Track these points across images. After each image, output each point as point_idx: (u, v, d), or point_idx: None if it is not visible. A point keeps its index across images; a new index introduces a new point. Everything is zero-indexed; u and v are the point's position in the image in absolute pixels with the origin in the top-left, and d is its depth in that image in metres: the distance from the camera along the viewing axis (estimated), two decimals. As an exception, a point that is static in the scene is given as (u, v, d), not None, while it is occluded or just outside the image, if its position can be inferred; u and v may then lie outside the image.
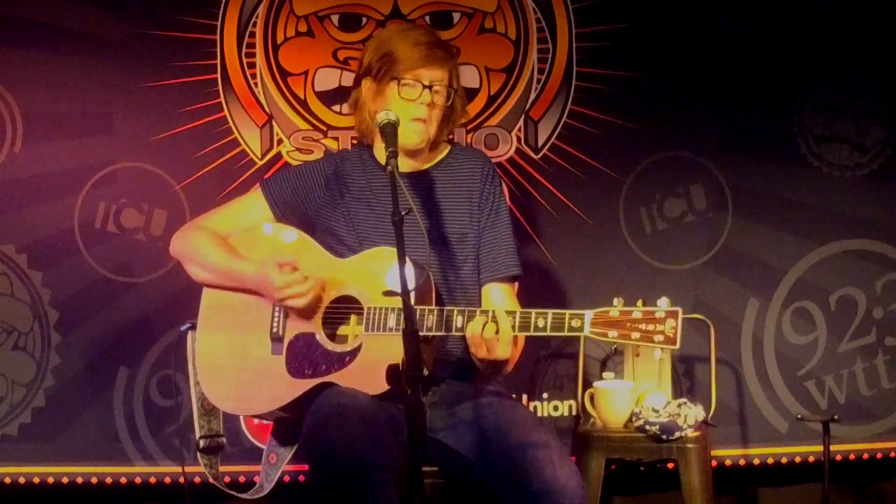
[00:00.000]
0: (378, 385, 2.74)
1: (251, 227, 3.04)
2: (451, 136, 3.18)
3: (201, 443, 3.04)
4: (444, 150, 3.12)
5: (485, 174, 3.08)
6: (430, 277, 2.86)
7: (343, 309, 2.88)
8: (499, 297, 3.04)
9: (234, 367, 2.92)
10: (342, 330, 2.90)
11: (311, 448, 2.71)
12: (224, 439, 3.07)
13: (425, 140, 3.01)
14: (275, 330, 2.94)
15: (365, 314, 2.81)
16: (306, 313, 2.88)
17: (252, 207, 3.10)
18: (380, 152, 3.03)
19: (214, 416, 3.05)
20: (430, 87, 2.94)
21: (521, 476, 2.66)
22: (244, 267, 2.94)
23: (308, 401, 2.82)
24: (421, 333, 2.68)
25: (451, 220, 3.03)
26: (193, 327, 3.02)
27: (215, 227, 3.06)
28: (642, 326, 2.67)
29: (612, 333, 2.68)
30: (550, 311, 2.72)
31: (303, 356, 2.86)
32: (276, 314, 2.95)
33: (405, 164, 2.99)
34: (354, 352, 2.83)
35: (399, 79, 2.94)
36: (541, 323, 2.70)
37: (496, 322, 2.70)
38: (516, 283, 3.15)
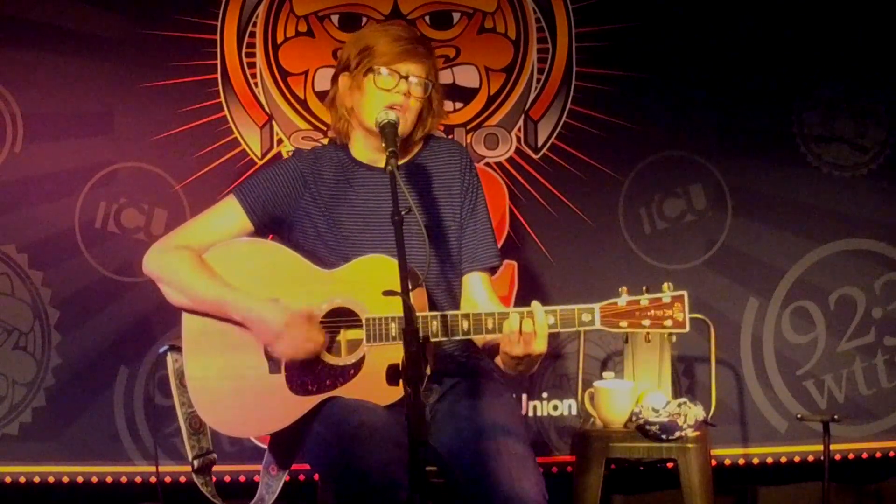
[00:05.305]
0: (385, 395, 2.71)
1: (227, 242, 2.90)
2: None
3: (195, 463, 2.93)
4: (420, 143, 3.02)
5: (464, 165, 3.01)
6: (423, 284, 2.80)
7: (337, 322, 2.82)
8: (479, 285, 3.00)
9: (232, 391, 2.83)
10: (339, 341, 2.85)
11: (339, 467, 2.66)
12: (215, 455, 3.01)
13: (400, 129, 2.87)
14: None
15: (365, 325, 2.76)
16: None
17: (227, 217, 2.93)
18: (357, 151, 2.97)
19: (203, 434, 2.96)
20: (406, 78, 2.86)
21: (482, 484, 2.64)
22: (236, 299, 2.81)
23: (310, 415, 2.79)
24: (433, 339, 2.68)
25: (433, 214, 2.97)
26: (172, 349, 2.92)
27: (190, 244, 2.90)
28: (651, 313, 2.70)
29: (623, 323, 2.71)
30: (558, 308, 2.72)
31: (304, 373, 2.78)
32: None
33: (383, 160, 2.79)
34: (358, 364, 2.78)
35: (377, 69, 2.87)
36: (550, 320, 2.70)
37: (532, 317, 2.69)
38: (495, 273, 3.12)
